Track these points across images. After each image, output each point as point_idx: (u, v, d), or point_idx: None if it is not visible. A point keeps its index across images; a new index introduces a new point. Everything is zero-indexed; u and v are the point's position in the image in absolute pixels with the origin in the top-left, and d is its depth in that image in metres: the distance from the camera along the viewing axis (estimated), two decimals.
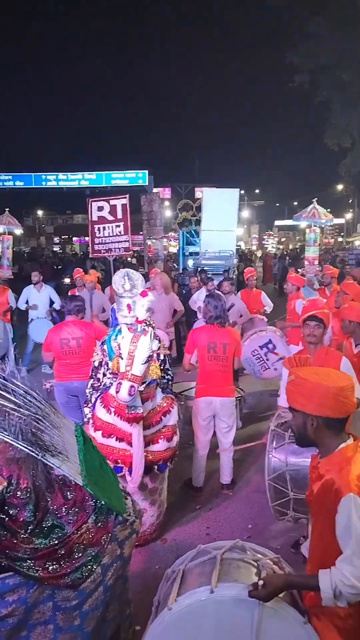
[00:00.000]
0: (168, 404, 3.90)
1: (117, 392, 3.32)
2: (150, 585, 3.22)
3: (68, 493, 2.25)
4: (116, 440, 3.65)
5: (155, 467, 3.76)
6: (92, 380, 4.15)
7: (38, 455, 2.09)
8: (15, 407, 2.11)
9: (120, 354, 3.49)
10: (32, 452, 2.08)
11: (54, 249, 42.64)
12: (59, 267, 23.62)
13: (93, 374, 4.16)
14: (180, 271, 16.61)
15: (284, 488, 3.44)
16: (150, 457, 3.69)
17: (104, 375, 4.07)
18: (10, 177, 22.54)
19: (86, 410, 4.15)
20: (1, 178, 22.48)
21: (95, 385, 4.12)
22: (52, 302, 8.76)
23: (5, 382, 2.18)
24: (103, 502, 2.26)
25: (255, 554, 2.13)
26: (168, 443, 3.81)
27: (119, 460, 3.60)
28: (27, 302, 8.71)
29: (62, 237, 49.29)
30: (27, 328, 8.59)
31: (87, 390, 4.20)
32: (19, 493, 2.10)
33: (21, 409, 2.12)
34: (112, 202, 8.80)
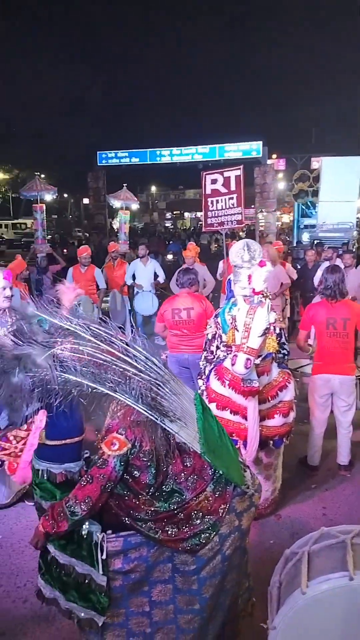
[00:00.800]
0: (284, 379, 3.78)
1: (232, 364, 3.27)
2: (264, 559, 3.21)
3: (187, 460, 2.26)
4: (230, 413, 3.62)
5: (271, 442, 3.68)
6: (206, 352, 4.15)
7: (157, 420, 2.12)
8: (137, 372, 2.14)
9: (235, 326, 3.42)
10: (152, 415, 2.11)
11: (166, 225, 43.47)
12: (170, 242, 24.03)
13: (207, 346, 4.15)
14: (294, 244, 16.07)
15: None
16: (265, 432, 3.62)
17: (218, 348, 4.05)
18: (127, 154, 23.24)
19: (200, 382, 4.17)
20: (119, 155, 23.27)
21: (208, 357, 4.12)
22: (156, 276, 8.84)
23: (128, 347, 2.21)
24: (221, 472, 2.24)
25: None
26: (284, 419, 3.71)
27: (234, 434, 3.56)
28: (133, 277, 8.91)
29: (174, 212, 50.04)
30: (133, 301, 8.83)
31: (201, 363, 4.21)
32: (141, 455, 2.16)
33: (142, 374, 2.15)
34: (226, 174, 8.63)
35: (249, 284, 3.35)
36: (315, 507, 4.04)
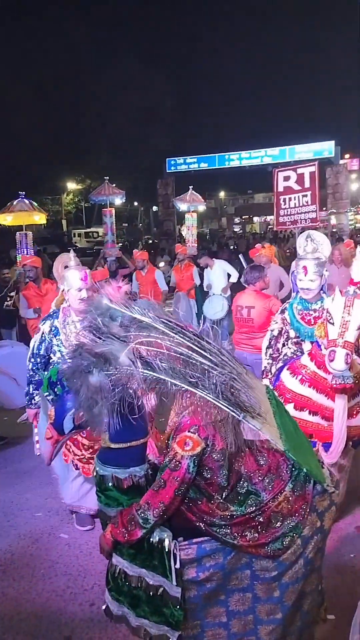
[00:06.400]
0: None
1: (330, 360, 2.96)
2: (345, 571, 3.04)
3: (261, 459, 2.08)
4: (309, 413, 3.35)
5: (350, 442, 3.38)
6: (271, 350, 3.93)
7: (239, 416, 1.93)
8: (212, 365, 1.97)
9: (329, 319, 3.13)
10: (234, 412, 1.92)
11: (235, 230, 42.99)
12: (235, 247, 23.67)
13: (272, 343, 3.93)
14: None
15: None
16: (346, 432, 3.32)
17: (284, 345, 3.84)
18: (195, 159, 23.33)
19: (265, 381, 3.92)
20: (187, 161, 23.43)
21: (274, 355, 3.90)
22: (229, 276, 8.52)
23: (200, 339, 2.04)
24: (304, 470, 2.04)
25: None
26: None
27: (313, 435, 3.31)
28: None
29: (243, 217, 49.43)
30: (202, 305, 8.50)
31: (265, 361, 3.97)
32: (214, 455, 2.00)
33: (218, 367, 1.97)
34: (300, 170, 8.29)
35: (305, 275, 3.41)
36: None
